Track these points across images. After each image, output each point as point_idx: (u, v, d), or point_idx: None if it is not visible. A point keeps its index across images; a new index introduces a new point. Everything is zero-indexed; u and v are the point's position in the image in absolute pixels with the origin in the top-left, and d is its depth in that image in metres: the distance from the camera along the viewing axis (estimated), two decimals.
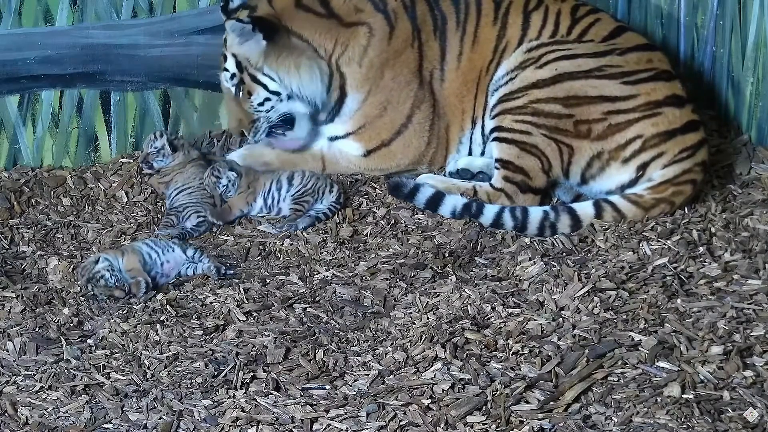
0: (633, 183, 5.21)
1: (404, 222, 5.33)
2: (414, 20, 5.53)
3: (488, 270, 4.87)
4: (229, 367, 4.32)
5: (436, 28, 5.55)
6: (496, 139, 5.35)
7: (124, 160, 5.85)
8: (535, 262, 4.82)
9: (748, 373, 4.11)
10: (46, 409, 4.17)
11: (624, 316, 4.47)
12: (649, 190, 5.17)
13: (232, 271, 4.99)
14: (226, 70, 5.51)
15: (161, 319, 4.64)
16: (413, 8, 5.54)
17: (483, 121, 5.54)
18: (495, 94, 5.40)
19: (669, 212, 5.14)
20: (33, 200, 5.61)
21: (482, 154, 5.60)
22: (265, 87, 5.47)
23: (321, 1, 5.51)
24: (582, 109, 5.22)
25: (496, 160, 5.35)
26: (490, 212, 5.16)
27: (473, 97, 5.56)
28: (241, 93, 5.50)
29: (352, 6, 5.50)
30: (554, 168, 5.27)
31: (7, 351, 4.47)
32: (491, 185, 5.34)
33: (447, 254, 5.00)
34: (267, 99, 5.49)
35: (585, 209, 5.15)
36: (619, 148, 5.21)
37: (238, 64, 5.46)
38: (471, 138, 5.62)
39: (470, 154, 5.65)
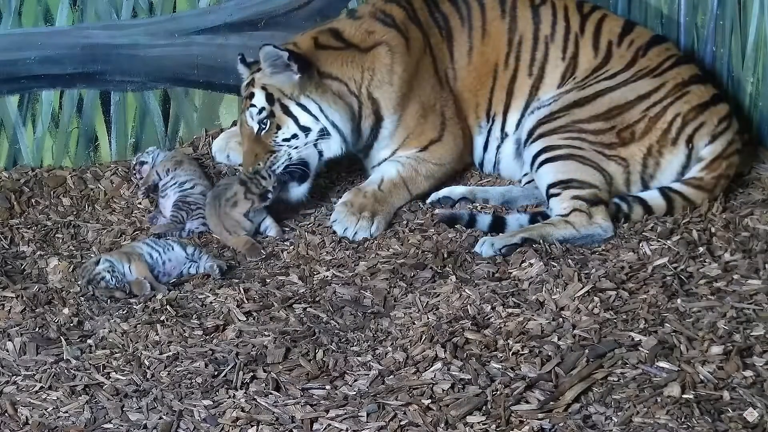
0: (688, 162, 5.27)
1: (404, 222, 5.33)
2: (420, 26, 5.53)
3: (488, 270, 4.86)
4: (229, 367, 4.32)
5: (441, 28, 5.56)
6: (548, 160, 5.28)
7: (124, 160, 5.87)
8: (534, 262, 4.82)
9: (748, 373, 4.10)
10: (46, 409, 4.17)
11: (624, 316, 4.47)
12: (705, 171, 5.25)
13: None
14: (254, 106, 5.29)
15: (161, 319, 4.64)
16: (416, 15, 5.54)
17: (504, 117, 5.56)
18: (533, 114, 5.44)
19: (726, 186, 5.27)
20: (33, 200, 5.61)
21: (497, 150, 5.63)
22: (296, 120, 5.29)
23: (335, 36, 5.44)
24: (622, 117, 5.27)
25: (555, 184, 5.23)
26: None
27: (489, 91, 5.58)
28: (266, 128, 5.28)
29: (364, 30, 5.45)
30: (616, 181, 5.25)
31: (7, 351, 4.47)
32: (558, 214, 5.15)
33: (447, 254, 5.00)
34: (294, 135, 5.30)
35: (654, 199, 5.20)
36: (664, 134, 5.26)
37: (269, 96, 5.29)
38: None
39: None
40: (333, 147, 5.37)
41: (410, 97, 5.47)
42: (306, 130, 5.31)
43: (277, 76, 5.27)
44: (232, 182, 5.34)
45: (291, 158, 5.32)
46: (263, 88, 5.31)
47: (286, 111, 5.30)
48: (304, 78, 5.27)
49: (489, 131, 5.62)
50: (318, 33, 5.45)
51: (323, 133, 5.33)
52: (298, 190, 5.35)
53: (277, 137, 5.31)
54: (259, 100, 5.31)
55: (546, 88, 5.50)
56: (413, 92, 5.48)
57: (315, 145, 5.34)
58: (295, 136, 5.31)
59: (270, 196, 5.23)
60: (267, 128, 5.30)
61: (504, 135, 5.59)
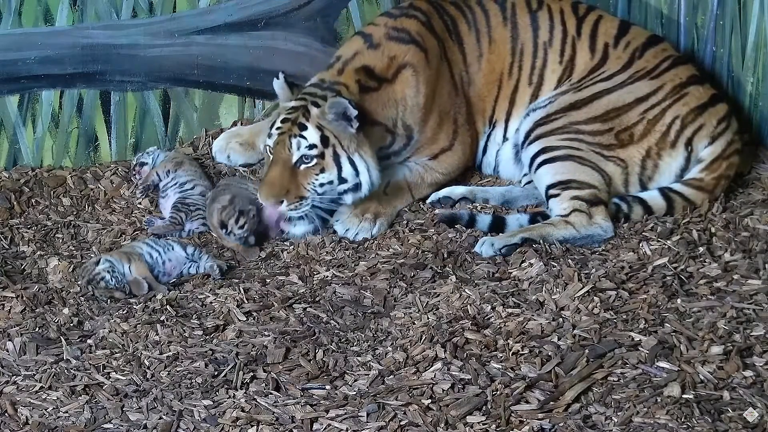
0: (687, 164, 5.28)
1: (404, 222, 5.33)
2: (435, 33, 5.51)
3: (488, 270, 4.86)
4: (229, 367, 4.32)
5: (451, 32, 5.55)
6: (546, 161, 5.26)
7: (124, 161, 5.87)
8: (534, 262, 4.82)
9: (748, 373, 4.11)
10: (46, 409, 4.17)
11: (624, 316, 4.47)
12: (705, 171, 5.26)
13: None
14: (304, 137, 5.12)
15: (161, 319, 4.64)
16: (430, 22, 5.51)
17: (506, 124, 5.56)
18: (530, 116, 5.44)
19: (726, 186, 5.28)
20: (33, 200, 5.61)
21: (496, 154, 5.63)
22: (339, 170, 5.17)
23: (369, 75, 5.34)
24: (620, 119, 5.27)
25: (554, 185, 5.22)
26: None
27: (493, 99, 5.57)
28: (309, 164, 5.13)
29: (387, 58, 5.38)
30: (614, 182, 5.25)
31: (7, 351, 4.47)
32: (558, 215, 5.14)
33: (447, 254, 5.00)
34: (331, 182, 5.18)
35: (654, 199, 5.21)
36: (663, 137, 5.27)
37: (324, 138, 5.13)
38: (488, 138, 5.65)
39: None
40: (356, 198, 5.26)
41: (431, 109, 5.44)
42: (343, 180, 5.20)
43: (335, 123, 5.14)
44: (228, 185, 5.35)
45: (315, 204, 5.19)
46: (319, 127, 5.15)
47: (336, 159, 5.17)
48: (359, 134, 5.18)
49: (489, 136, 5.62)
50: (357, 74, 5.32)
51: (356, 188, 5.23)
52: (304, 227, 5.26)
53: (316, 179, 5.16)
54: (313, 136, 5.14)
55: (544, 93, 5.50)
56: (434, 103, 5.45)
57: (341, 193, 5.24)
58: (331, 182, 5.19)
59: (232, 237, 5.18)
60: (310, 165, 5.14)
61: (504, 140, 5.60)
